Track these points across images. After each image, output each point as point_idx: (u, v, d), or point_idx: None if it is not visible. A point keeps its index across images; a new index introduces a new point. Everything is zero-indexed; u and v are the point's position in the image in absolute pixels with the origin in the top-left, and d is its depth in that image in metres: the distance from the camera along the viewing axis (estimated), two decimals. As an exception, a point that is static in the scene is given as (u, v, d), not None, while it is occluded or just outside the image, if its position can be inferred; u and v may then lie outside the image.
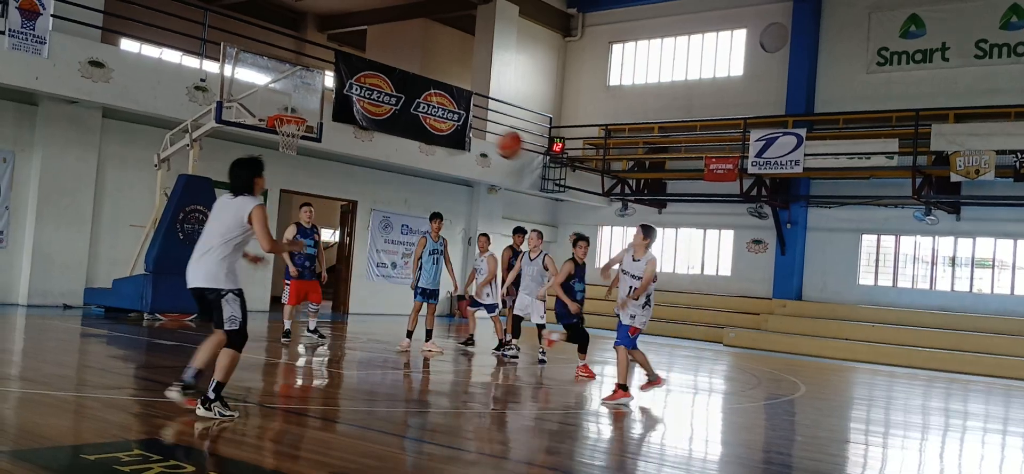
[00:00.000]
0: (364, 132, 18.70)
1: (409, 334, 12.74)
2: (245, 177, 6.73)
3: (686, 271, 24.34)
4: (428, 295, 12.68)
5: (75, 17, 14.72)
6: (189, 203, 14.86)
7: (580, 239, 11.29)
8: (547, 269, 12.44)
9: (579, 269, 11.12)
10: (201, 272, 6.58)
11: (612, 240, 25.63)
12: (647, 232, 9.42)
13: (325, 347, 12.69)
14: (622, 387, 9.18)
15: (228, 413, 6.51)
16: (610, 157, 23.96)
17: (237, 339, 6.59)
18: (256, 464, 5.65)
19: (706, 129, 23.09)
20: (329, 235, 29.00)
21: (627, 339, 9.26)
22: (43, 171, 15.53)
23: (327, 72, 18.27)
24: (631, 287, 9.23)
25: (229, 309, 6.54)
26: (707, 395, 12.21)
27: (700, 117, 23.36)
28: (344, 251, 21.83)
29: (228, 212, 6.65)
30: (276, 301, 21.27)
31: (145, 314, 14.49)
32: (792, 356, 18.49)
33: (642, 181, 24.38)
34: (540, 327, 12.78)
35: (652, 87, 25.42)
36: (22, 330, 12.49)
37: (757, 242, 23.05)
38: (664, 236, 24.79)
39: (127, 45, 20.29)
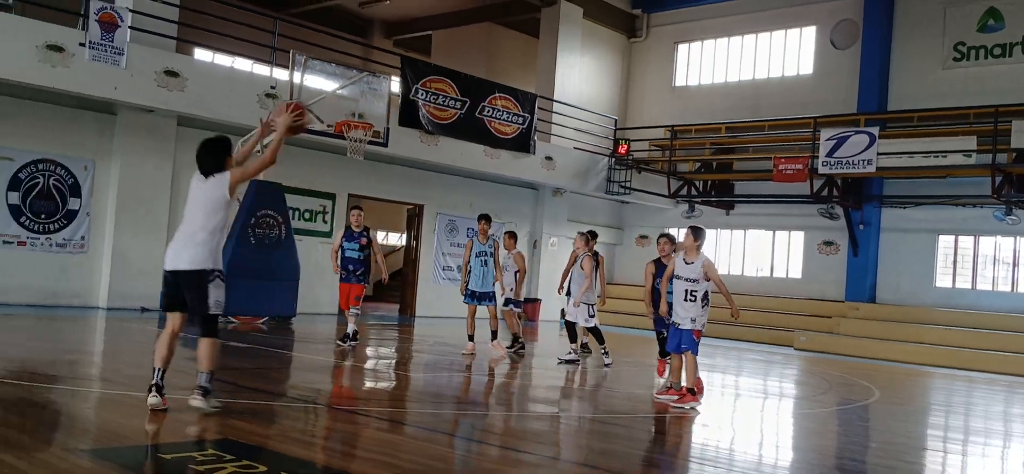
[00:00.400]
0: (430, 136, 18.87)
1: (471, 337, 12.76)
2: (218, 158, 6.74)
3: (755, 273, 23.99)
4: (478, 297, 12.65)
5: (151, 28, 15.18)
6: (260, 208, 15.19)
7: (661, 236, 10.87)
8: (582, 269, 12.53)
9: (662, 268, 10.60)
10: (185, 255, 6.51)
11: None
12: (697, 233, 9.27)
13: (350, 353, 12.13)
14: (690, 391, 9.09)
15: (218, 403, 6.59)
16: (676, 158, 23.73)
17: (214, 325, 6.58)
18: (325, 465, 5.74)
19: (775, 129, 22.72)
20: (395, 239, 29.36)
21: (694, 345, 9.12)
22: (122, 178, 16.03)
23: (393, 77, 18.51)
24: (686, 291, 9.09)
25: (215, 292, 6.52)
26: (777, 400, 12.00)
27: (768, 116, 22.99)
28: (410, 255, 22.04)
29: (205, 193, 6.64)
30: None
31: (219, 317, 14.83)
32: (865, 360, 18.07)
33: (709, 182, 24.08)
34: (588, 330, 12.86)
35: (719, 87, 25.12)
36: (102, 332, 12.90)
37: (828, 243, 22.58)
38: (732, 238, 24.47)
39: (201, 54, 20.85)
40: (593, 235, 13.12)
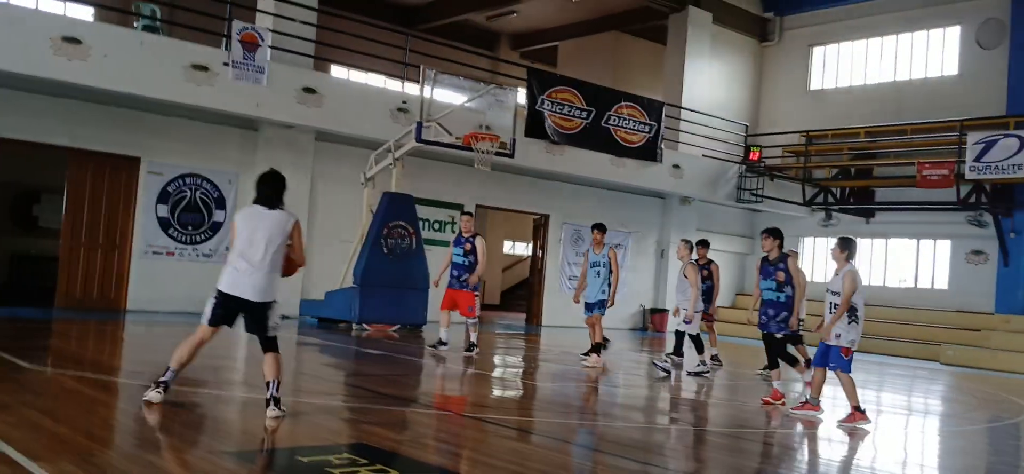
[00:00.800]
0: (555, 146, 18.91)
1: (598, 350, 12.59)
2: (279, 191, 6.85)
3: (897, 285, 22.91)
4: (590, 307, 12.52)
5: (290, 47, 15.82)
6: (392, 219, 15.57)
7: (769, 234, 10.34)
8: (686, 278, 12.36)
9: (766, 268, 10.25)
10: (258, 287, 6.67)
11: (815, 252, 24.54)
12: (843, 245, 8.85)
13: (451, 361, 12.05)
14: (858, 410, 8.70)
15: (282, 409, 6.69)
16: (811, 165, 22.96)
17: (275, 342, 6.78)
18: (455, 471, 5.80)
19: (917, 132, 21.68)
20: (521, 249, 29.55)
21: (844, 362, 8.70)
22: (263, 191, 16.73)
23: (520, 89, 18.65)
24: (830, 303, 8.75)
25: (273, 317, 6.75)
26: (922, 417, 11.41)
27: (911, 120, 21.96)
28: (536, 264, 22.13)
29: (268, 224, 6.72)
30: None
31: (353, 324, 15.30)
32: (1017, 376, 17.00)
33: (847, 189, 23.19)
34: (682, 335, 12.62)
35: (857, 90, 24.18)
36: (244, 339, 13.47)
37: (977, 253, 21.34)
38: (873, 247, 23.47)
39: (336, 72, 21.57)
40: (704, 243, 12.85)
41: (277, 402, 6.60)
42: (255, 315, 6.71)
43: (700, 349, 12.71)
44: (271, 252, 6.69)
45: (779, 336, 10.19)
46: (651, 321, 22.93)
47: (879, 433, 9.05)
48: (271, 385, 6.61)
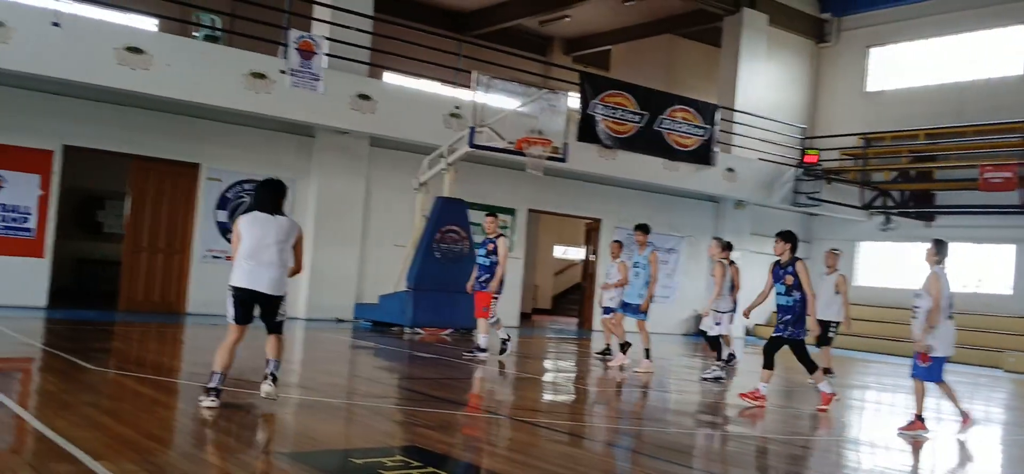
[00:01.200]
0: (608, 150, 18.86)
1: (647, 354, 12.47)
2: (280, 198, 7.26)
3: (960, 290, 22.26)
4: (626, 306, 12.67)
5: (345, 55, 16.04)
6: (445, 224, 15.68)
7: (781, 237, 10.05)
8: (713, 277, 12.46)
9: (777, 271, 9.97)
10: (274, 281, 7.13)
11: (873, 257, 24.07)
12: (937, 247, 8.56)
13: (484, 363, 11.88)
14: (919, 418, 8.53)
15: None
16: (870, 167, 22.56)
17: (281, 327, 7.31)
18: (506, 475, 5.84)
19: (980, 135, 21.16)
20: (573, 253, 29.49)
21: (919, 369, 8.48)
22: (319, 196, 17.01)
23: (572, 93, 18.65)
24: (914, 307, 8.50)
25: (282, 308, 7.27)
26: (983, 425, 11.12)
27: (973, 121, 21.44)
28: (588, 269, 22.08)
29: (276, 226, 7.13)
30: (525, 317, 21.95)
31: (407, 328, 15.44)
32: (1088, 385, 16.46)
33: (907, 193, 22.72)
34: (710, 337, 12.67)
35: (917, 91, 23.67)
36: (301, 342, 13.72)
37: (1043, 257, 20.75)
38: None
39: (389, 78, 21.80)
40: (728, 246, 12.88)
41: (275, 379, 7.19)
42: (269, 306, 7.20)
43: (719, 352, 12.57)
44: (283, 252, 7.17)
45: (800, 338, 9.91)
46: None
47: (939, 442, 8.85)
48: (271, 363, 7.19)
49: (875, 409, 11.97)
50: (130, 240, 15.72)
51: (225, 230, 16.16)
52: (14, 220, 14.36)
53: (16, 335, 10.88)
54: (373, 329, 15.95)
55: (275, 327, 7.28)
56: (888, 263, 23.67)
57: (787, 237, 10.00)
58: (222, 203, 16.22)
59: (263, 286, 7.09)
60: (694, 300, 22.89)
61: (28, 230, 14.46)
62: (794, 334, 9.77)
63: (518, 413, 8.54)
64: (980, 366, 18.78)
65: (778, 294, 9.87)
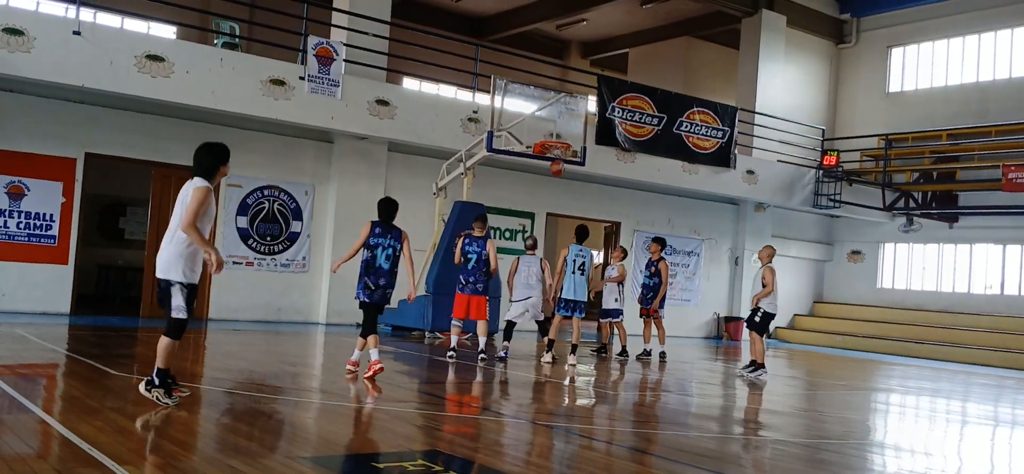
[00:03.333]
0: (626, 153, 18.82)
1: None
2: (209, 162, 6.66)
3: (983, 291, 22.14)
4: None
5: (364, 60, 16.09)
6: (463, 227, 15.65)
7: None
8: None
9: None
10: (161, 262, 6.64)
11: (896, 258, 23.87)
12: None
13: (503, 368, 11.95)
14: None
15: (166, 400, 6.75)
16: (891, 168, 22.38)
17: (177, 328, 6.69)
18: (528, 479, 5.82)
19: (1003, 134, 20.95)
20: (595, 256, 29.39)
21: None
22: (338, 201, 17.06)
23: (590, 96, 18.62)
24: None
25: (177, 299, 6.63)
26: (1009, 428, 10.99)
27: (996, 121, 21.24)
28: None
29: (182, 196, 6.57)
30: (541, 324, 21.83)
31: (426, 332, 15.45)
32: (1116, 387, 16.23)
33: (929, 194, 22.52)
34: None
35: (938, 91, 23.48)
36: (321, 347, 13.75)
37: (1069, 258, 20.50)
38: (957, 253, 22.74)
39: (408, 83, 21.87)
40: (662, 243, 14.48)
41: (149, 386, 6.78)
42: (160, 292, 6.79)
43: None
44: (177, 226, 6.61)
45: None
46: (726, 329, 22.60)
47: (965, 444, 8.76)
48: (155, 369, 6.74)
49: (899, 412, 11.85)
50: (152, 246, 15.79)
51: (246, 236, 16.24)
52: (38, 228, 14.50)
53: (41, 341, 10.98)
54: (393, 333, 15.97)
55: (170, 326, 6.81)
56: (911, 265, 23.48)
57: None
58: (242, 209, 16.30)
59: (157, 269, 6.73)
60: (715, 303, 22.81)
61: (51, 237, 14.59)
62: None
63: (539, 416, 8.52)
64: (1005, 368, 18.58)
65: None
